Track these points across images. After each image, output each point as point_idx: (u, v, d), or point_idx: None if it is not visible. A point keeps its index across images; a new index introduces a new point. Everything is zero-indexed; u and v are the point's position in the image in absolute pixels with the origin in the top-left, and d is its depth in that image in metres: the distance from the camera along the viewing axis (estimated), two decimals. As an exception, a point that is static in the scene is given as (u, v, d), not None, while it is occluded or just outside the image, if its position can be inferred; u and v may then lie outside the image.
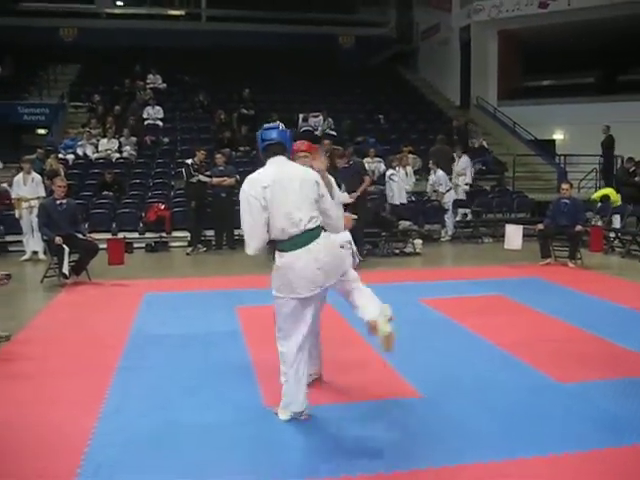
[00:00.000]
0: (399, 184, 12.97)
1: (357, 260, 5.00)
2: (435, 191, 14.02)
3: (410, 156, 15.08)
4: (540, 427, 4.05)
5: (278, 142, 4.06)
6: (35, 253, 11.45)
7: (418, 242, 12.01)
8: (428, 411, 4.34)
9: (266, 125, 4.19)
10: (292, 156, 4.84)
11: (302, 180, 3.99)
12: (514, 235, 10.45)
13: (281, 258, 3.97)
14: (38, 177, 11.80)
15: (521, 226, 10.70)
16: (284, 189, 3.91)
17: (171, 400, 4.53)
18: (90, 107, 18.34)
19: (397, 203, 12.81)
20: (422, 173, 15.48)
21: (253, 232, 3.93)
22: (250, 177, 4.03)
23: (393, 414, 4.31)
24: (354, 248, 5.00)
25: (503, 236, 11.36)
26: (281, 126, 4.14)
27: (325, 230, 4.12)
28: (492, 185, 15.90)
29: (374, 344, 5.88)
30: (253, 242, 3.95)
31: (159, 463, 3.59)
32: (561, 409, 4.37)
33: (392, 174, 12.97)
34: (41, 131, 18.71)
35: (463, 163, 14.48)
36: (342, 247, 4.29)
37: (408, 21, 25.56)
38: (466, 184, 14.46)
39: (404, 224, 12.22)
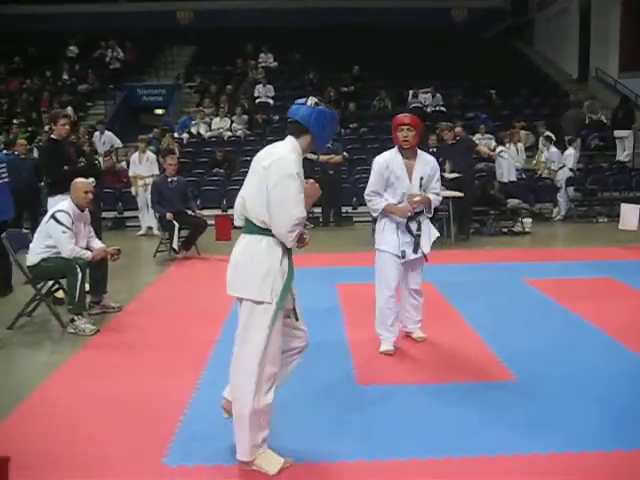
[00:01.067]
0: (508, 161, 12.56)
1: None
2: (548, 168, 13.51)
3: (522, 132, 14.56)
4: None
5: (295, 121, 3.35)
6: (150, 229, 11.98)
7: (527, 221, 11.63)
8: (520, 396, 4.23)
9: (298, 100, 3.44)
10: (394, 130, 4.84)
11: (260, 162, 3.34)
12: (630, 215, 9.91)
13: None
14: (153, 156, 12.31)
15: (638, 205, 10.13)
16: (250, 171, 3.40)
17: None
18: (197, 88, 18.83)
19: (506, 181, 12.43)
20: (534, 150, 14.95)
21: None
22: None
23: (484, 397, 4.22)
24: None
25: (619, 216, 10.81)
26: (310, 102, 3.35)
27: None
28: (610, 162, 15.12)
29: (473, 323, 5.85)
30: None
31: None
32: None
33: (501, 151, 12.59)
34: (158, 111, 19.46)
35: (552, 154, 13.56)
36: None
37: (523, -9, 24.62)
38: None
39: (513, 202, 11.85)
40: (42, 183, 9.57)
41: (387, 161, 4.95)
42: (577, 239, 11.23)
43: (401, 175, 4.91)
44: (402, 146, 4.87)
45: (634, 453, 3.44)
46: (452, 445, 3.54)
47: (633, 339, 5.30)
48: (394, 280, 5.00)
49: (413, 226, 5.00)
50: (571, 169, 13.21)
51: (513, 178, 12.59)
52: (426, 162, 4.99)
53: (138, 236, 11.99)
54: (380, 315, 5.08)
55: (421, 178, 4.92)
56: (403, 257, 4.95)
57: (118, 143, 14.71)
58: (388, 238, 4.99)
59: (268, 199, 3.20)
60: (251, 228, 3.32)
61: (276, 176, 3.20)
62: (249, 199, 3.33)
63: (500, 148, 12.65)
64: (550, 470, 3.31)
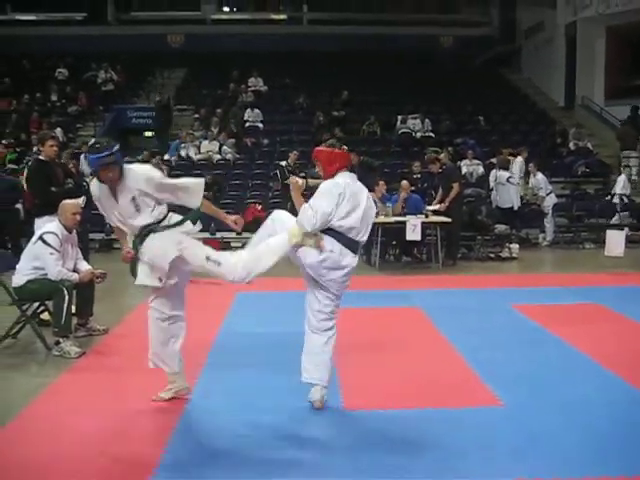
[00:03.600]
0: (517, 188, 12.40)
1: None
2: (535, 195, 13.61)
3: (516, 159, 14.58)
4: (630, 447, 3.84)
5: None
6: (138, 250, 11.88)
7: (514, 246, 11.68)
8: (507, 422, 4.21)
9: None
10: None
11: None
12: (616, 241, 9.95)
13: None
14: (142, 178, 12.26)
15: (623, 231, 10.19)
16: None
17: (251, 399, 4.61)
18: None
19: (510, 207, 12.26)
20: (522, 176, 15.05)
21: None
22: None
23: (470, 422, 4.20)
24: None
25: (605, 242, 10.86)
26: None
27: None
28: (596, 188, 15.26)
29: (460, 348, 5.83)
30: None
31: (233, 461, 3.68)
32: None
33: (510, 177, 12.39)
34: (148, 134, 19.43)
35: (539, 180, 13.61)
36: None
37: (511, 20, 24.96)
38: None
39: (500, 228, 11.91)
40: (19, 204, 9.62)
41: None
42: (564, 265, 11.30)
43: None
44: None
45: (620, 480, 3.44)
46: (436, 470, 3.53)
47: (623, 368, 5.26)
48: None
49: None
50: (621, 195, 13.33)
51: (518, 204, 12.45)
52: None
53: (126, 258, 11.91)
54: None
55: None
56: None
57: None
58: None
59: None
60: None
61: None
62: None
63: (507, 174, 12.50)
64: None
